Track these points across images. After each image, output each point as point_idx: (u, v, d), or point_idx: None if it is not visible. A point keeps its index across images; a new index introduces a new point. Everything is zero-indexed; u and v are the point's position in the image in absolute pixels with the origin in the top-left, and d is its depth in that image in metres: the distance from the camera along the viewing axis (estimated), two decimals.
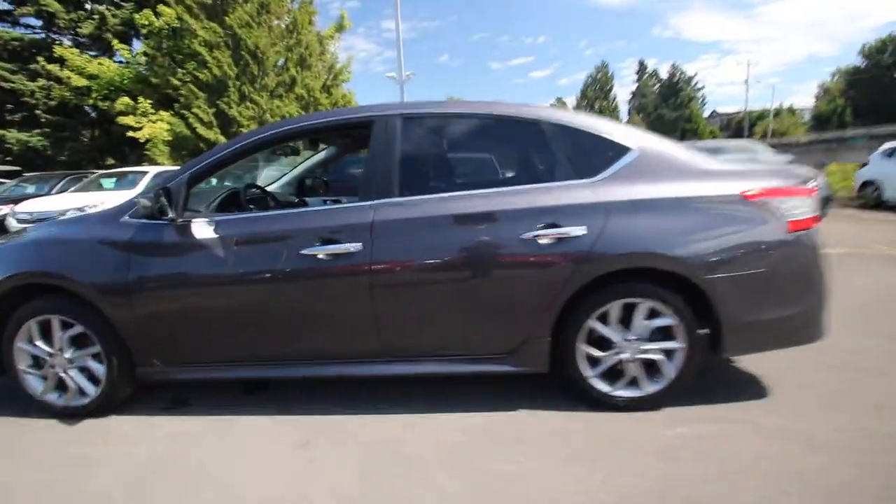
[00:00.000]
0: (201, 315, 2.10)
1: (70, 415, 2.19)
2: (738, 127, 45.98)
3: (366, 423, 2.07)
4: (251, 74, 14.25)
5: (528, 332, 2.01)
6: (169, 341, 2.14)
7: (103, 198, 8.21)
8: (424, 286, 2.00)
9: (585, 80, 54.93)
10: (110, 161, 19.54)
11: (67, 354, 2.16)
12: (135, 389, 2.26)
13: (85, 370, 2.19)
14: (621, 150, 2.04)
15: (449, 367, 2.08)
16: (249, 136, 2.21)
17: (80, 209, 7.84)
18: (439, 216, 1.99)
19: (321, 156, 3.66)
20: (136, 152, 17.28)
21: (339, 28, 17.02)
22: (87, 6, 18.26)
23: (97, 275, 2.08)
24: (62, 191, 9.87)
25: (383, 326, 2.03)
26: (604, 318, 2.03)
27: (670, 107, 51.32)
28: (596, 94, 54.65)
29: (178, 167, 11.11)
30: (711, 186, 1.99)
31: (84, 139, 19.59)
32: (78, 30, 18.02)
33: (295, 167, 3.94)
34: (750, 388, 2.28)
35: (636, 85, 56.67)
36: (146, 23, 14.68)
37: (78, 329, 2.14)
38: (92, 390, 2.18)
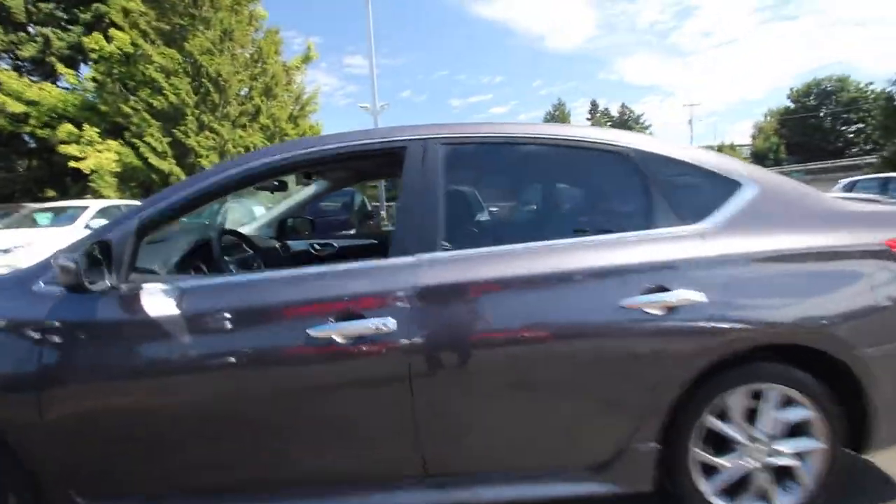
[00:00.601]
0: (155, 426, 1.42)
1: None
2: None
3: None
4: (212, 103, 13.46)
5: (627, 438, 1.46)
6: (99, 464, 1.44)
7: (34, 236, 7.16)
8: (485, 377, 1.42)
9: (544, 116, 56.88)
10: (50, 193, 17.85)
11: None
12: None
13: None
14: (733, 187, 1.58)
15: (516, 490, 1.48)
16: (226, 169, 1.60)
17: (4, 251, 6.76)
18: (505, 277, 1.44)
19: (308, 191, 3.05)
20: (79, 184, 15.82)
21: (306, 59, 16.63)
22: (30, 29, 17.01)
23: None
24: None
25: (426, 435, 1.42)
26: (722, 413, 1.51)
27: None
28: None
29: (127, 201, 10.01)
30: (850, 235, 1.55)
31: (19, 169, 17.88)
32: (18, 52, 16.66)
33: (272, 206, 3.30)
34: (878, 482, 1.80)
35: (590, 122, 59.29)
36: (96, 47, 13.68)
37: None
38: None
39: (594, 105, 60.30)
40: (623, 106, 59.96)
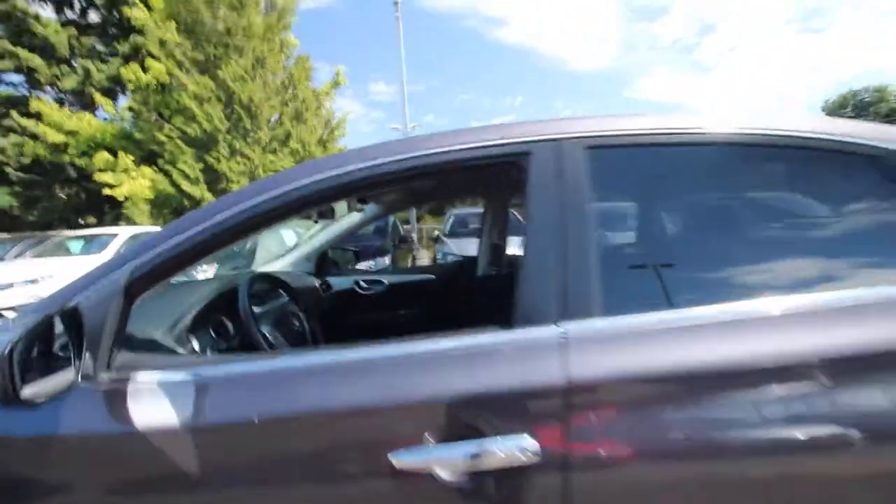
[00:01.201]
0: None
1: None
2: None
3: None
4: (243, 128, 13.52)
5: None
6: None
7: (64, 265, 6.94)
8: None
9: None
10: (91, 220, 18.22)
11: None
12: None
13: None
14: None
15: None
16: (265, 191, 1.08)
17: (31, 281, 6.56)
18: (722, 364, 0.86)
19: (353, 219, 2.56)
20: (115, 211, 16.03)
21: (335, 84, 16.69)
22: (74, 63, 17.66)
23: None
24: (17, 256, 8.55)
25: None
26: None
27: None
28: None
29: (157, 228, 9.91)
30: None
31: (60, 198, 18.32)
32: (59, 84, 17.25)
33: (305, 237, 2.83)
34: None
35: None
36: (133, 77, 13.97)
37: None
38: None
39: None
40: None
